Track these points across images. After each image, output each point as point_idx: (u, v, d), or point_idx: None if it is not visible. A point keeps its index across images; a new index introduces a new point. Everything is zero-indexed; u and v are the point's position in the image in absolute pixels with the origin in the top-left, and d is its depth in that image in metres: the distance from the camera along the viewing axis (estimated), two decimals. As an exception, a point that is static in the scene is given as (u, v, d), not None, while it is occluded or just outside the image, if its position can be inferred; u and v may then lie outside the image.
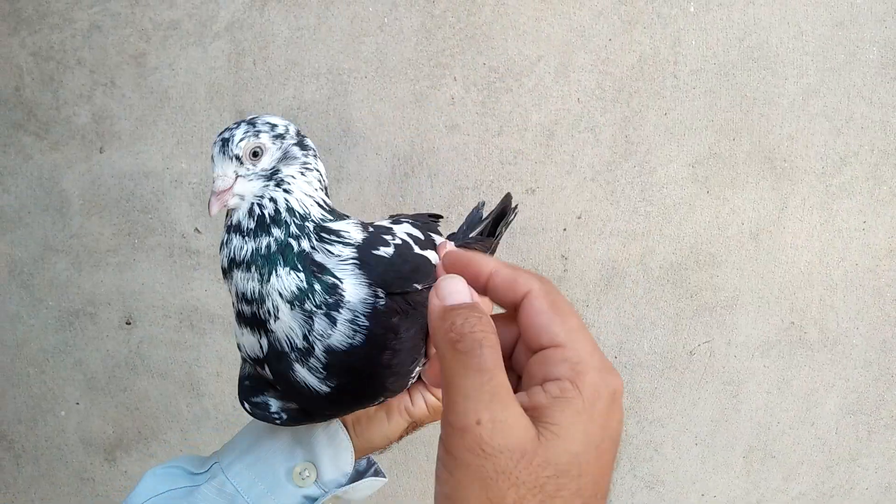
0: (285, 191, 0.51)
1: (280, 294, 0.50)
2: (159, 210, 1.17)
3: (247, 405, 0.54)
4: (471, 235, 0.82)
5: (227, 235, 0.52)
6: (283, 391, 0.53)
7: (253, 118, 0.54)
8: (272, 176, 0.52)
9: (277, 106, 1.11)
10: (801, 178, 1.10)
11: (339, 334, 0.50)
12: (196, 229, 1.17)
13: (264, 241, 0.50)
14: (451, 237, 0.78)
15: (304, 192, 0.52)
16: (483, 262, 0.40)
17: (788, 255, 1.14)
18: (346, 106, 1.10)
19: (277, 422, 0.54)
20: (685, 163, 1.10)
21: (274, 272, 0.50)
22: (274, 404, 0.54)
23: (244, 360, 0.55)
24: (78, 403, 1.28)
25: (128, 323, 1.23)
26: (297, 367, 0.51)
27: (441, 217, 0.76)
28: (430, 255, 0.57)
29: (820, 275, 1.15)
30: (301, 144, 0.54)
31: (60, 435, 1.30)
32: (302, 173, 0.52)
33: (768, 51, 1.04)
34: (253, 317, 0.50)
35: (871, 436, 1.26)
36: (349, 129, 1.11)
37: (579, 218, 1.13)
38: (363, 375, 0.51)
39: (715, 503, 1.31)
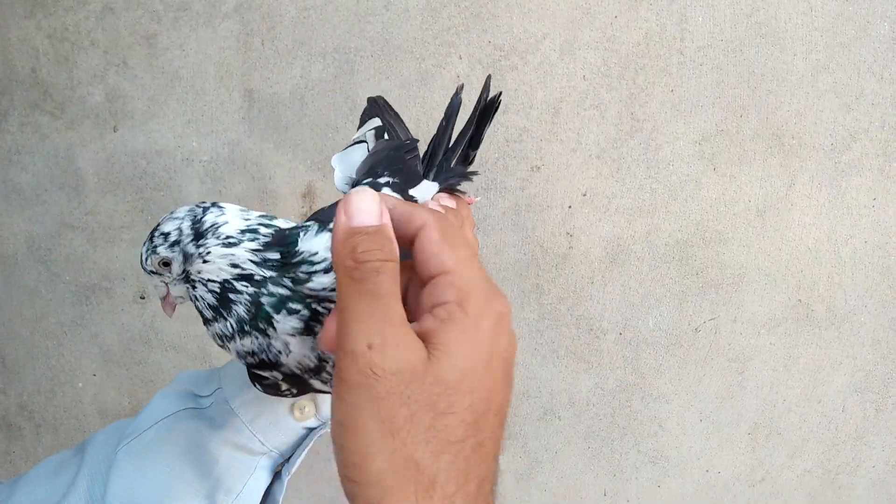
0: (203, 284, 0.50)
1: (289, 334, 0.47)
2: (171, 187, 1.17)
3: (258, 386, 0.54)
4: (452, 148, 0.69)
5: (207, 327, 0.52)
6: (297, 391, 0.53)
7: (154, 229, 0.53)
8: (187, 279, 0.51)
9: (285, 84, 1.10)
10: (809, 154, 1.07)
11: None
12: (207, 206, 1.17)
13: (238, 311, 0.48)
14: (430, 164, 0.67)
15: (218, 273, 0.49)
16: (384, 196, 0.39)
17: (796, 233, 1.11)
18: (353, 85, 1.09)
19: (289, 396, 0.54)
20: (692, 140, 1.07)
21: (272, 323, 0.47)
22: (284, 384, 0.53)
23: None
24: (94, 375, 1.29)
25: (142, 297, 1.23)
26: (311, 381, 0.50)
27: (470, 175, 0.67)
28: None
29: (828, 252, 1.12)
30: (195, 235, 0.51)
31: (78, 406, 1.32)
32: (204, 261, 0.50)
33: (776, 26, 1.01)
34: (262, 363, 0.49)
35: (879, 414, 1.23)
36: (355, 107, 1.10)
37: (584, 195, 1.11)
38: None
39: (719, 479, 1.30)
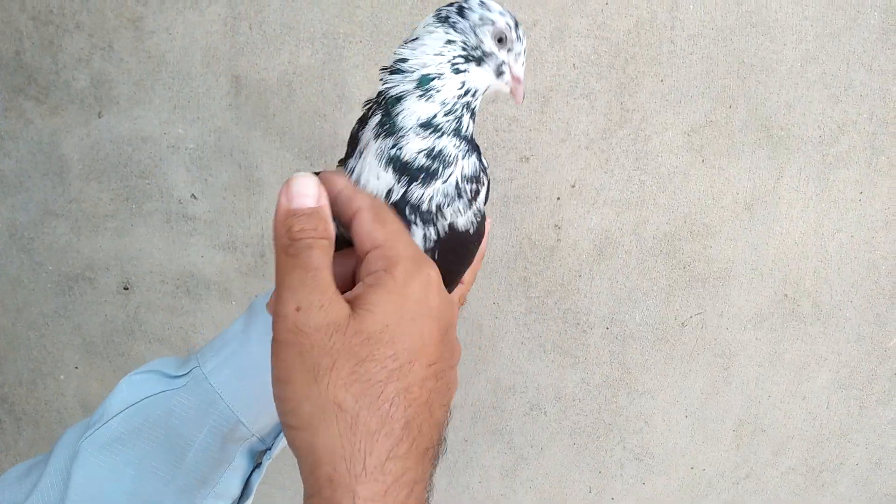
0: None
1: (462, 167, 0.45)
2: (157, 175, 1.09)
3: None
4: None
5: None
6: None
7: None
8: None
9: (273, 70, 1.03)
10: (797, 146, 1.02)
11: (468, 216, 0.45)
12: (193, 195, 1.10)
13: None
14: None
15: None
16: (332, 181, 0.42)
17: (783, 226, 1.06)
18: (342, 71, 1.03)
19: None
20: (681, 131, 1.02)
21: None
22: None
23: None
24: (77, 367, 1.21)
25: (125, 288, 1.16)
26: (413, 227, 0.43)
27: None
28: None
29: (814, 246, 1.07)
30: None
31: (59, 399, 1.23)
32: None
33: (767, 16, 0.96)
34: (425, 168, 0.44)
35: (863, 411, 1.18)
36: (344, 95, 1.03)
37: (573, 187, 1.05)
38: (461, 262, 0.47)
39: (704, 476, 1.23)
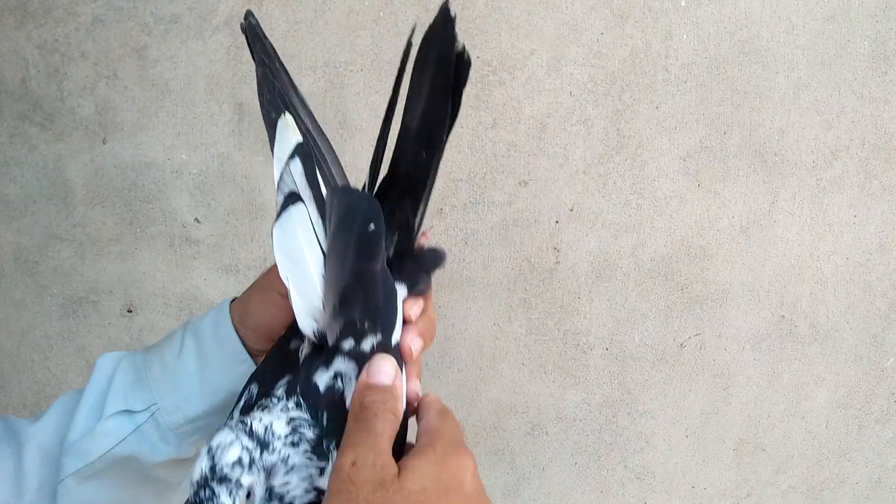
0: None
1: None
2: (160, 200, 1.15)
3: None
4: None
5: None
6: None
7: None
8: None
9: (275, 98, 1.09)
10: (791, 171, 1.07)
11: None
12: (196, 219, 1.16)
13: None
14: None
15: None
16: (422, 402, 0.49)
17: (779, 249, 1.11)
18: (342, 99, 1.08)
19: None
20: (676, 156, 1.07)
21: None
22: None
23: None
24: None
25: (129, 311, 1.21)
26: None
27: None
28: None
29: (810, 269, 1.12)
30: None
31: (64, 420, 1.29)
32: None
33: (759, 45, 1.02)
34: None
35: (861, 430, 1.23)
36: (345, 122, 1.09)
37: (571, 210, 1.10)
38: None
39: (705, 495, 1.28)
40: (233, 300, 0.58)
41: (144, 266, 1.19)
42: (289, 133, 0.48)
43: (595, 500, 1.31)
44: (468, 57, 0.51)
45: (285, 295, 0.47)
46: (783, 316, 1.15)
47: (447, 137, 0.54)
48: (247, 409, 0.46)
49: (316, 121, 0.53)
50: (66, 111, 1.12)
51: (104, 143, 1.13)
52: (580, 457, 1.27)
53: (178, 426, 0.55)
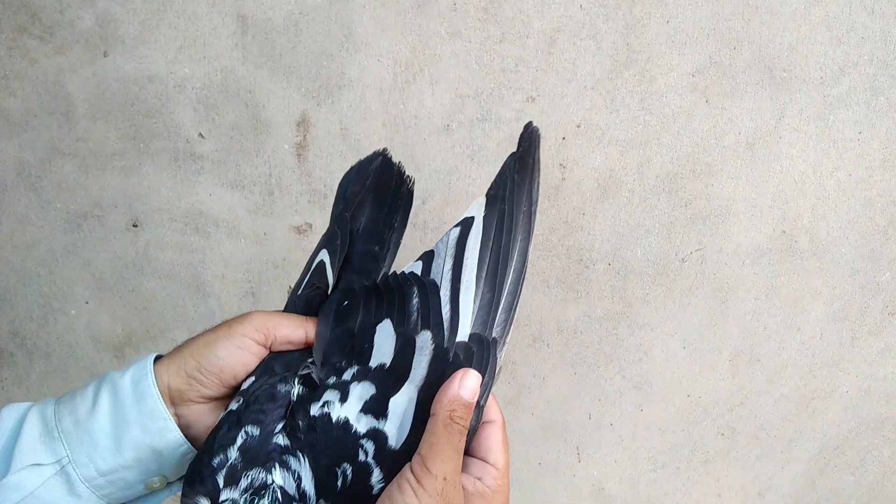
0: None
1: None
2: (163, 115, 1.19)
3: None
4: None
5: None
6: None
7: None
8: None
9: (279, 10, 1.12)
10: (799, 87, 1.13)
11: None
12: (200, 134, 1.20)
13: None
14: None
15: None
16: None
17: (783, 165, 1.18)
18: (348, 11, 1.11)
19: None
20: (685, 72, 1.12)
21: None
22: None
23: None
24: (87, 303, 1.34)
25: (134, 225, 1.27)
26: None
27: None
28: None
29: (813, 184, 1.19)
30: None
31: (71, 333, 1.37)
32: None
33: (773, -42, 1.05)
34: None
35: (854, 342, 1.32)
36: (351, 35, 1.12)
37: (578, 126, 1.16)
38: None
39: (700, 403, 1.39)
40: (156, 357, 0.61)
41: (149, 181, 1.24)
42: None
43: (593, 408, 1.42)
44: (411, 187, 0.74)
45: (259, 342, 0.61)
46: (784, 231, 1.23)
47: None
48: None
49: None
50: (66, 23, 1.15)
51: (105, 57, 1.17)
52: (580, 367, 1.37)
53: (90, 479, 0.58)
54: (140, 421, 0.59)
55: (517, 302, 0.63)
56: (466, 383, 0.54)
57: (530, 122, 0.66)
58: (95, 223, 1.28)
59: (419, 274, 0.62)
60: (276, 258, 1.30)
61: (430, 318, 0.59)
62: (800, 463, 1.45)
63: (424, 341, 0.58)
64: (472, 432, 0.57)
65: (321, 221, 1.26)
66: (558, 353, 1.37)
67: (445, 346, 0.58)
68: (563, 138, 1.17)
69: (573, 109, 1.15)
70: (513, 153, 0.65)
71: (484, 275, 0.61)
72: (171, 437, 0.60)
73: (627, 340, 1.35)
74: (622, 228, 1.24)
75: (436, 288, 0.61)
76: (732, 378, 1.37)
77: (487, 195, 0.63)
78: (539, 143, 0.67)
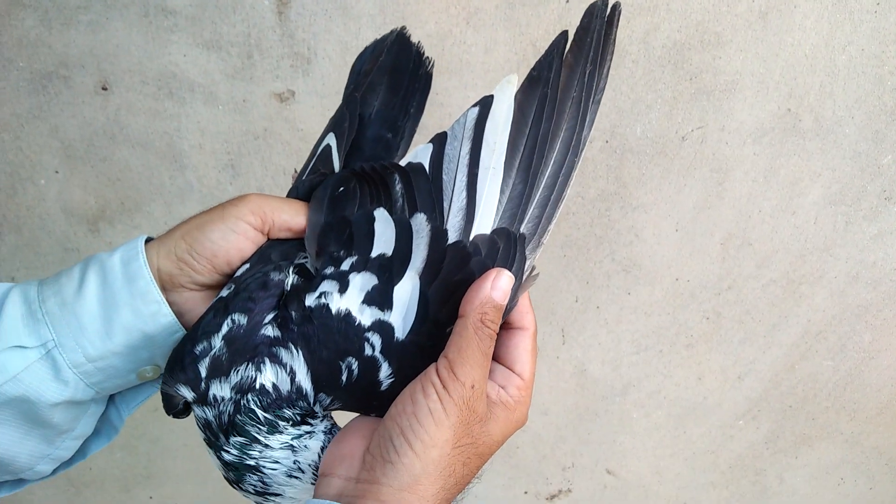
0: None
1: None
2: (131, -37, 1.08)
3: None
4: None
5: None
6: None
7: None
8: None
9: None
10: (821, -49, 1.04)
11: None
12: (172, -13, 1.09)
13: None
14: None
15: None
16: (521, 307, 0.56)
17: (795, 37, 1.10)
18: None
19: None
20: (702, -71, 1.02)
21: None
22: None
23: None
24: (57, 172, 1.25)
25: (104, 88, 1.17)
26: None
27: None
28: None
29: (824, 59, 1.12)
30: None
31: (41, 204, 1.28)
32: None
33: None
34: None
35: (848, 227, 1.29)
36: None
37: (584, -12, 1.07)
38: None
39: (687, 287, 1.36)
40: (148, 239, 0.58)
41: (118, 38, 1.14)
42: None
43: (580, 291, 1.38)
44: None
45: (256, 227, 0.56)
46: (789, 109, 1.16)
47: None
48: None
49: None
50: None
51: None
52: (569, 249, 1.33)
53: (77, 364, 0.55)
54: (131, 303, 0.55)
55: (559, 199, 0.58)
56: (499, 284, 0.51)
57: None
58: (62, 84, 1.18)
59: (429, 158, 0.57)
60: (257, 128, 1.21)
61: (418, 200, 0.55)
62: (781, 347, 1.44)
63: (419, 224, 0.54)
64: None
65: (304, 89, 1.17)
66: (548, 236, 1.32)
67: (445, 227, 0.54)
68: (567, 1, 1.08)
69: (579, -32, 1.06)
70: (564, 31, 0.59)
71: (517, 164, 0.56)
72: (164, 321, 0.56)
73: (620, 222, 1.30)
74: (623, 103, 1.17)
75: (422, 170, 0.56)
76: (722, 262, 1.34)
77: (530, 76, 0.58)
78: (618, 22, 0.59)
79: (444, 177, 0.56)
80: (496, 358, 0.55)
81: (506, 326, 0.55)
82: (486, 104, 0.57)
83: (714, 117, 1.18)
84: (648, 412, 1.54)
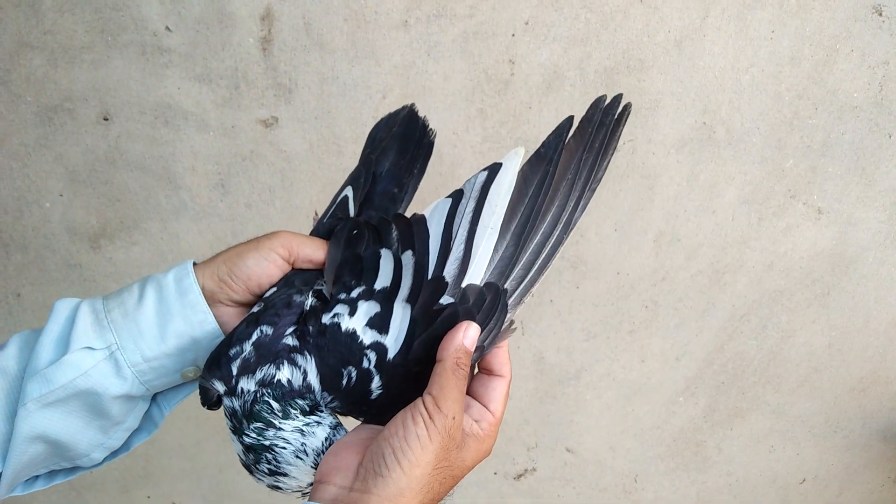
0: None
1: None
2: (130, 7, 1.19)
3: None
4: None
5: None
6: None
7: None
8: None
9: None
10: (722, -11, 1.20)
11: None
12: (167, 27, 1.20)
13: None
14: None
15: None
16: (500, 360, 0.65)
17: (706, 61, 1.26)
18: None
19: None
20: (623, -27, 1.18)
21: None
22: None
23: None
24: (61, 195, 1.34)
25: (105, 119, 1.28)
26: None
27: None
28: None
29: (731, 79, 1.28)
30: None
31: (46, 225, 1.38)
32: None
33: None
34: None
35: (761, 222, 1.45)
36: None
37: (527, 24, 1.21)
38: None
39: (627, 280, 1.51)
40: (194, 263, 0.68)
41: (118, 74, 1.24)
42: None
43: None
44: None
45: (284, 258, 0.67)
46: (704, 123, 1.32)
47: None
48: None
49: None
50: (28, -87, 1.12)
51: (70, -52, 1.14)
52: (524, 250, 1.46)
53: (135, 364, 0.65)
54: (183, 313, 0.65)
55: (544, 267, 0.65)
56: (470, 334, 0.60)
57: (618, 96, 0.69)
58: (66, 116, 1.28)
59: (447, 209, 0.65)
60: (244, 151, 1.32)
61: (412, 243, 0.65)
62: (711, 330, 1.59)
63: (407, 259, 0.64)
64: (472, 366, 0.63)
65: (286, 115, 1.29)
66: (504, 238, 1.45)
67: (429, 267, 0.64)
68: (513, 35, 1.22)
69: (522, 7, 1.20)
70: (570, 116, 0.67)
71: (512, 228, 0.64)
72: (209, 328, 0.67)
73: (566, 224, 1.44)
74: (564, 120, 1.31)
75: (422, 220, 0.66)
76: (656, 256, 1.49)
77: (538, 152, 0.65)
78: (626, 121, 0.68)
79: (453, 228, 0.64)
80: (476, 396, 0.63)
81: (487, 372, 0.64)
82: (493, 170, 0.65)
83: (642, 131, 1.33)
84: (600, 393, 1.68)
